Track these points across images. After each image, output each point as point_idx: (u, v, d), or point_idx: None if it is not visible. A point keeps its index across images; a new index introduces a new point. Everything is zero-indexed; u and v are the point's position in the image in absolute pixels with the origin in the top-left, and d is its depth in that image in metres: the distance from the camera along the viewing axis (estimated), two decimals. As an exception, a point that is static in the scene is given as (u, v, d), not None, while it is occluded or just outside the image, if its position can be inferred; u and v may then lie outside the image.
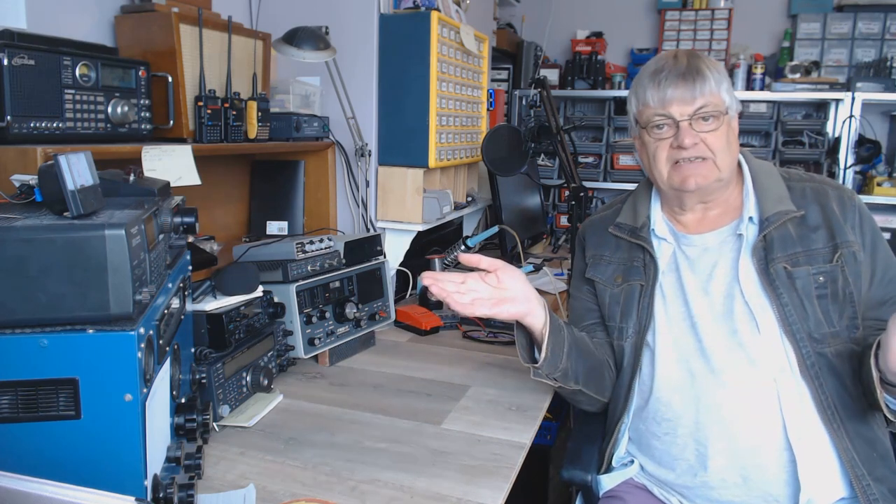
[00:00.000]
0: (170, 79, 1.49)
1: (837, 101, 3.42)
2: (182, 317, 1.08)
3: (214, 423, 1.26)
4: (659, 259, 1.33)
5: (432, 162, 2.03)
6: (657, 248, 1.34)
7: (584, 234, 1.49)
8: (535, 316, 1.26)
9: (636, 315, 1.32)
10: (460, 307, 1.19)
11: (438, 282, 1.19)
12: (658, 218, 1.36)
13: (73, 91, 1.26)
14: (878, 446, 1.20)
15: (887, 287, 1.24)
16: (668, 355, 1.28)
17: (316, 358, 1.65)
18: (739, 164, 1.33)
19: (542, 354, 1.26)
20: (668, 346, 1.28)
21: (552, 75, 4.00)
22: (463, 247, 2.32)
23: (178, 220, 1.05)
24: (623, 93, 3.80)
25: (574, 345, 1.31)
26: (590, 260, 1.43)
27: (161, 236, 0.98)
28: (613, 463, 1.39)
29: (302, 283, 1.56)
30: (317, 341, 1.57)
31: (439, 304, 2.08)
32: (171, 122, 1.51)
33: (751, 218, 1.26)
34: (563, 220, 3.71)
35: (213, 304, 1.32)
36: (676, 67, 1.24)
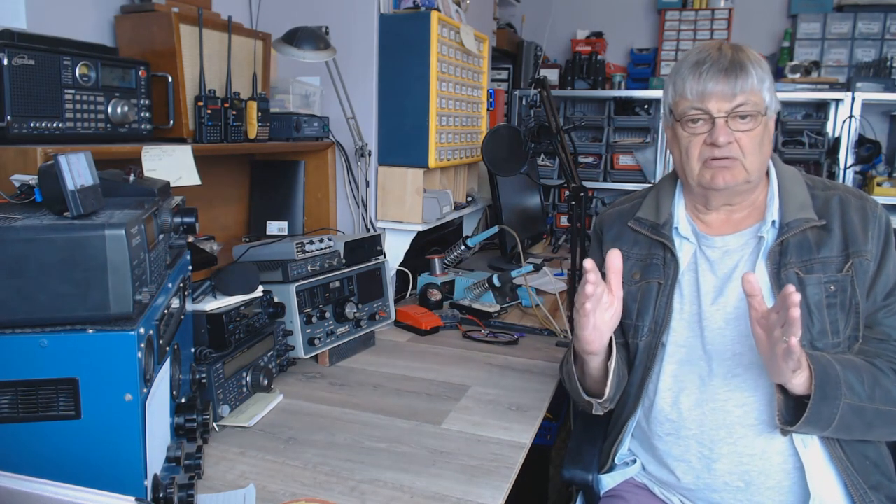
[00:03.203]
0: (170, 79, 1.49)
1: (837, 101, 3.42)
2: (182, 317, 1.08)
3: (214, 423, 1.26)
4: (680, 258, 1.31)
5: (432, 162, 2.03)
6: (679, 247, 1.32)
7: (602, 227, 1.46)
8: (599, 357, 1.24)
9: (653, 313, 1.30)
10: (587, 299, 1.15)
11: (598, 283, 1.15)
12: (682, 216, 1.34)
13: (73, 91, 1.26)
14: (869, 452, 1.19)
15: (886, 299, 1.22)
16: (676, 355, 1.28)
17: (316, 358, 1.65)
18: (767, 167, 1.31)
19: (608, 392, 1.25)
20: (677, 346, 1.28)
21: (552, 75, 4.00)
22: (463, 247, 2.32)
23: (178, 220, 1.05)
24: (623, 93, 3.80)
25: (620, 372, 1.31)
26: (607, 255, 1.41)
27: (161, 236, 0.98)
28: (616, 461, 1.39)
29: (302, 283, 1.56)
30: (317, 341, 1.57)
31: (439, 304, 2.08)
32: (171, 122, 1.51)
33: (773, 222, 1.25)
34: (563, 220, 3.71)
35: (213, 304, 1.32)
36: (720, 60, 1.19)
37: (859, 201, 1.26)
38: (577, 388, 1.30)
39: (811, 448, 1.18)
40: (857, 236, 1.21)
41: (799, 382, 1.09)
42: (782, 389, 1.13)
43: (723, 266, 1.28)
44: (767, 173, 1.31)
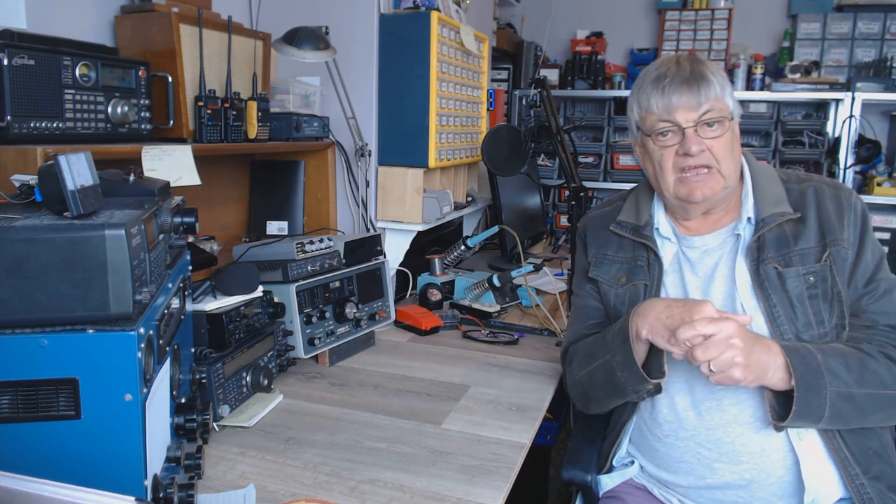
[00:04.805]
0: (170, 79, 1.49)
1: (837, 101, 3.42)
2: (182, 317, 1.08)
3: (214, 423, 1.26)
4: (663, 258, 1.32)
5: (432, 162, 2.03)
6: (661, 248, 1.33)
7: (585, 232, 1.47)
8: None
9: None
10: None
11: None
12: (661, 218, 1.35)
13: (73, 91, 1.26)
14: (872, 443, 1.19)
15: (867, 286, 1.22)
16: (668, 357, 1.27)
17: (316, 358, 1.65)
18: (741, 166, 1.32)
19: (667, 368, 1.20)
20: None
21: (552, 75, 4.00)
22: (463, 247, 2.31)
23: (178, 220, 1.05)
24: (623, 93, 3.79)
25: None
26: (592, 259, 1.42)
27: (161, 236, 0.98)
28: (614, 463, 1.39)
29: (302, 283, 1.56)
30: (317, 341, 1.57)
31: (439, 304, 2.08)
32: (171, 122, 1.51)
33: (749, 219, 1.26)
34: (563, 220, 3.71)
35: (213, 304, 1.32)
36: (680, 73, 1.21)
37: (833, 190, 1.26)
38: (637, 373, 1.20)
39: (806, 441, 1.18)
40: (832, 225, 1.22)
41: (777, 381, 1.11)
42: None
43: (703, 266, 1.29)
44: (742, 172, 1.32)
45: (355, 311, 1.67)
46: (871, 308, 1.22)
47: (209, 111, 1.54)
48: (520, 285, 2.10)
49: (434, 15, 1.97)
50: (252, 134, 1.66)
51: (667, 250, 1.33)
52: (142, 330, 0.81)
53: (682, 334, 1.08)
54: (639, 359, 1.21)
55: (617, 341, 1.23)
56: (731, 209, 1.31)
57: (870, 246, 1.23)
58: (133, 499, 0.70)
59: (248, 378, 1.37)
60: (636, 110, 1.28)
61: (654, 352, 1.21)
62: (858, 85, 3.34)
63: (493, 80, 3.78)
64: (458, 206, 2.32)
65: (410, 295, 2.24)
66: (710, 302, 1.12)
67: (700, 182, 1.22)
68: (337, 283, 1.67)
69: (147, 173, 1.32)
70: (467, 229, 2.85)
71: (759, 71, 3.67)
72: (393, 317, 1.87)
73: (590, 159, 3.84)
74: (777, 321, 1.19)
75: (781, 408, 1.14)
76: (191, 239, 1.22)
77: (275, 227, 2.08)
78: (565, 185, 2.00)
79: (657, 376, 1.20)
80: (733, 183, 1.26)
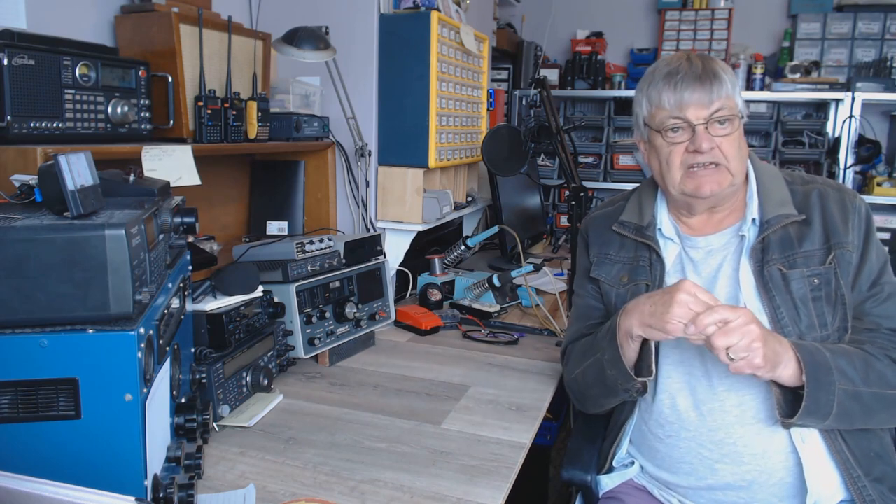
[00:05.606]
0: (170, 79, 1.49)
1: (837, 101, 3.42)
2: (182, 317, 1.08)
3: (214, 423, 1.26)
4: (665, 258, 1.32)
5: (432, 162, 2.03)
6: (664, 248, 1.33)
7: (588, 231, 1.47)
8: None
9: None
10: None
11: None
12: (664, 218, 1.35)
13: (73, 91, 1.26)
14: (873, 445, 1.19)
15: (871, 289, 1.22)
16: (670, 357, 1.28)
17: (316, 358, 1.65)
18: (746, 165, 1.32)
19: (654, 367, 1.22)
20: (670, 347, 1.28)
21: (552, 75, 4.00)
22: (463, 247, 2.32)
23: (178, 220, 1.05)
24: (623, 93, 3.79)
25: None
26: (594, 258, 1.42)
27: (161, 236, 0.98)
28: (614, 463, 1.39)
29: (302, 283, 1.56)
30: (317, 341, 1.57)
31: (439, 304, 2.08)
32: (171, 122, 1.51)
33: (753, 220, 1.26)
34: (563, 220, 3.71)
35: (213, 304, 1.32)
36: (692, 70, 1.21)
37: (838, 193, 1.26)
38: (624, 371, 1.22)
39: (809, 443, 1.18)
40: (837, 228, 1.22)
41: (789, 374, 1.11)
42: (777, 383, 1.14)
43: (706, 266, 1.29)
44: (746, 172, 1.32)
45: (355, 311, 1.67)
46: (874, 311, 1.22)
47: (209, 111, 1.54)
48: (520, 285, 2.10)
49: (434, 15, 1.97)
50: (252, 134, 1.66)
51: (669, 251, 1.33)
52: (142, 330, 0.81)
53: (703, 320, 1.07)
54: (631, 357, 1.22)
55: (606, 339, 1.25)
56: (736, 209, 1.31)
57: (874, 249, 1.23)
58: (133, 499, 0.70)
59: (248, 378, 1.37)
60: (645, 106, 1.27)
61: (645, 350, 1.21)
62: (858, 85, 3.34)
63: (493, 80, 3.78)
64: (458, 206, 2.32)
65: (410, 295, 2.24)
66: (686, 279, 1.12)
67: (708, 177, 1.22)
68: (337, 283, 1.67)
69: (147, 173, 1.32)
70: (467, 229, 2.85)
71: (759, 71, 3.67)
72: (393, 317, 1.87)
73: (590, 159, 3.84)
74: (781, 322, 1.19)
75: (789, 406, 1.14)
76: (191, 239, 1.22)
77: (275, 227, 2.08)
78: (565, 185, 2.00)
79: (645, 375, 1.20)
80: (740, 181, 1.26)
